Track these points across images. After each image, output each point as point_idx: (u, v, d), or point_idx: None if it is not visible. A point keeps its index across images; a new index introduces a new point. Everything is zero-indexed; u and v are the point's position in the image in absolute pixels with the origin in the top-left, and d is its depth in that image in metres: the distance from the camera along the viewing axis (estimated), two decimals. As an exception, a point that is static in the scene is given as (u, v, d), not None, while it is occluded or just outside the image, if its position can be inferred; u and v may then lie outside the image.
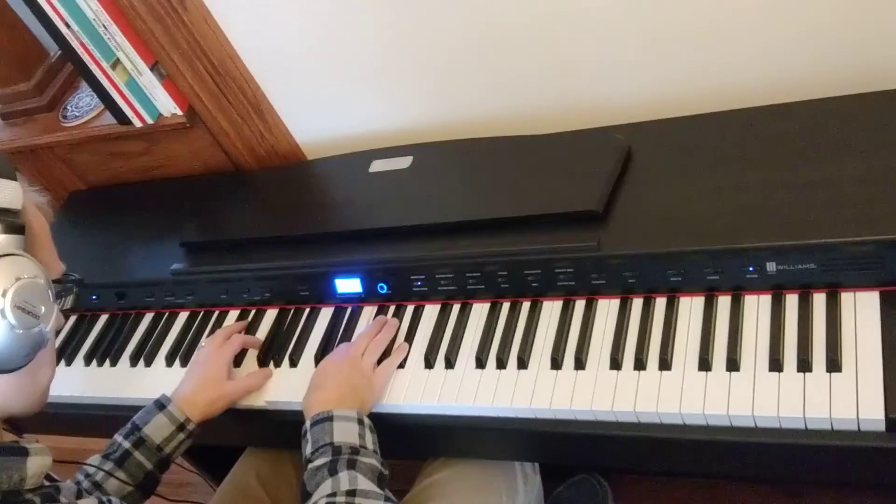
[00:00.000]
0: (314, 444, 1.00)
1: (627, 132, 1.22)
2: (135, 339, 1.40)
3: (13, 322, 0.73)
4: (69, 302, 0.87)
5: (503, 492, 1.20)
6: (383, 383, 1.12)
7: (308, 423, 1.03)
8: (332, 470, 0.95)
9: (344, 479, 0.94)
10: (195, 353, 1.26)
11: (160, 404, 1.14)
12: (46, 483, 0.79)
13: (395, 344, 1.17)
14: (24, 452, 0.76)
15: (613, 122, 1.28)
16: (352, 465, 0.96)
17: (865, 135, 1.07)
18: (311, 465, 0.98)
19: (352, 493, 0.92)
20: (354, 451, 0.98)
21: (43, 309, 0.76)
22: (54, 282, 0.81)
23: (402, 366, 1.15)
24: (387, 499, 0.94)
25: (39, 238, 0.82)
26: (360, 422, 1.02)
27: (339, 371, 1.10)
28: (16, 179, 0.78)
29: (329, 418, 1.01)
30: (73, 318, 1.49)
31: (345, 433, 1.00)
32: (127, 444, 1.10)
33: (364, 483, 0.94)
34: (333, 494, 0.92)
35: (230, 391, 1.18)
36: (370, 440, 1.02)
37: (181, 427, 1.12)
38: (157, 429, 1.11)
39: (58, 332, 0.91)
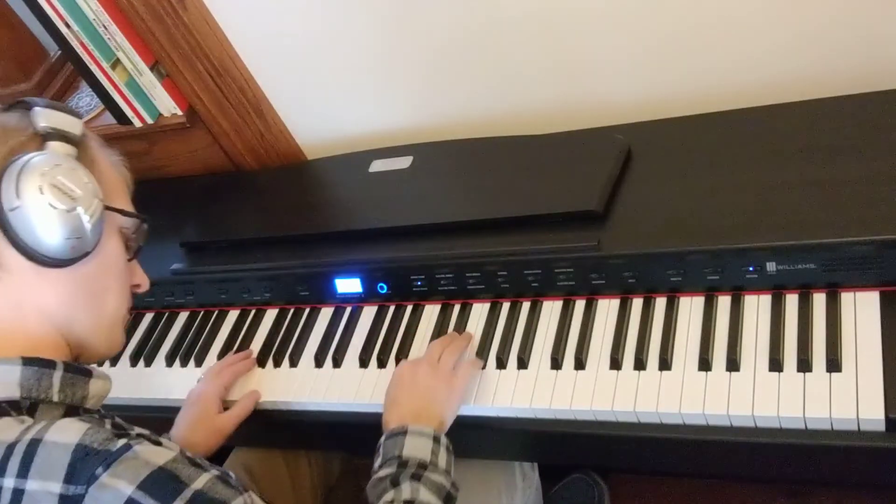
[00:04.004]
0: (383, 457, 0.96)
1: (627, 132, 1.22)
2: (135, 339, 1.39)
3: (50, 198, 0.76)
4: (137, 244, 0.91)
5: (502, 490, 1.20)
6: (463, 388, 1.05)
7: (382, 439, 0.99)
8: (395, 481, 0.91)
9: (406, 489, 0.90)
10: (192, 388, 1.22)
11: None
12: (103, 411, 0.84)
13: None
14: (88, 374, 0.82)
15: (613, 122, 1.28)
16: (416, 478, 0.91)
17: (865, 135, 1.07)
18: (375, 476, 0.94)
19: (410, 502, 0.88)
20: (422, 466, 0.93)
21: (79, 194, 0.78)
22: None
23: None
24: None
25: (106, 177, 0.86)
26: (437, 440, 0.97)
27: (414, 382, 1.04)
28: (80, 119, 0.85)
29: (403, 433, 0.97)
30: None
31: (416, 448, 0.95)
32: None
33: (426, 495, 0.90)
34: (391, 502, 0.89)
35: (224, 424, 1.16)
36: (444, 459, 0.96)
37: None
38: None
39: (137, 294, 0.93)
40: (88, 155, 0.84)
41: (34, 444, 0.71)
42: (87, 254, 0.81)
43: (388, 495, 0.90)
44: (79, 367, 0.82)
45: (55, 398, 0.78)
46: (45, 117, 0.81)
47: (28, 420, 0.75)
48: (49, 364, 0.79)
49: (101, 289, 0.86)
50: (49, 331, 0.82)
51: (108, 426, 0.76)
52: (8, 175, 0.76)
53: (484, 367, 1.10)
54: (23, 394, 0.76)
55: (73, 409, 0.79)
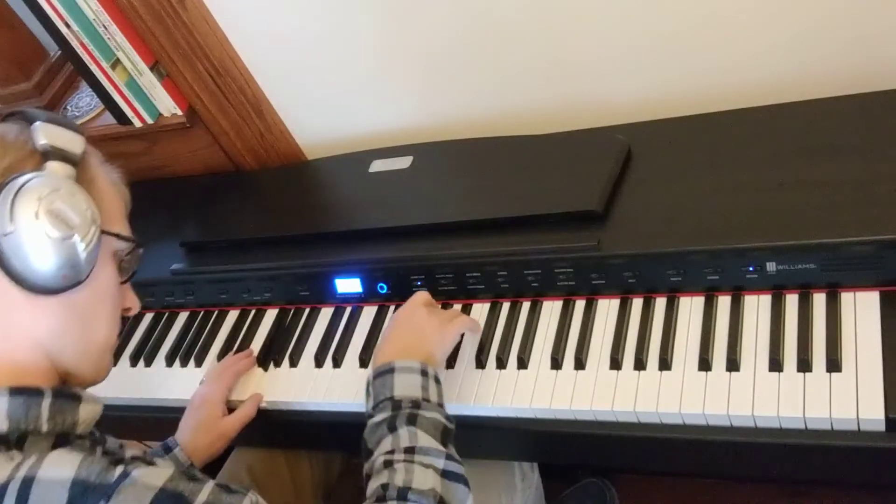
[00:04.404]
0: (375, 399, 0.96)
1: (627, 132, 1.22)
2: (135, 339, 1.40)
3: (45, 225, 0.74)
4: (131, 268, 0.87)
5: (501, 491, 1.20)
6: (454, 338, 1.07)
7: (370, 376, 0.99)
8: (392, 426, 0.91)
9: (404, 435, 0.90)
10: (195, 390, 1.23)
11: (167, 447, 1.13)
12: (95, 433, 0.81)
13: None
14: (78, 399, 0.79)
15: (613, 122, 1.28)
16: (412, 420, 0.91)
17: (865, 135, 1.07)
18: (371, 421, 0.94)
19: (410, 450, 0.88)
20: (416, 404, 0.93)
21: (77, 221, 0.76)
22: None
23: None
24: (448, 456, 0.90)
25: (105, 198, 0.83)
26: (424, 373, 0.97)
27: (409, 320, 1.05)
28: (83, 135, 0.82)
29: (390, 370, 0.96)
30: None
31: (406, 386, 0.95)
32: None
33: (424, 440, 0.90)
34: (392, 452, 0.89)
35: (228, 428, 1.17)
36: (434, 392, 0.96)
37: None
38: None
39: (128, 318, 0.91)
40: (88, 174, 0.81)
41: (28, 483, 0.69)
42: (80, 282, 0.78)
43: (387, 442, 0.90)
44: (68, 392, 0.79)
45: (44, 428, 0.74)
46: (46, 133, 0.78)
47: (17, 455, 0.72)
48: (37, 392, 0.76)
49: (93, 316, 0.83)
50: (38, 358, 0.79)
51: (100, 453, 0.74)
52: (3, 197, 0.73)
53: (484, 367, 1.10)
54: (11, 426, 0.73)
55: (63, 438, 0.76)
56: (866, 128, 1.08)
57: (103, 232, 0.80)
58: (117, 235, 0.84)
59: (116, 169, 0.89)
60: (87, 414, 0.79)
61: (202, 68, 1.39)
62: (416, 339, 1.03)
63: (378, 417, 0.93)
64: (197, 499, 0.71)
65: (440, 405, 0.96)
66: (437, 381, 0.99)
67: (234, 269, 1.33)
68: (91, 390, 0.83)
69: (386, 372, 0.97)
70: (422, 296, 1.10)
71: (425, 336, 1.03)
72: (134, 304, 0.90)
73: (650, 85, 1.27)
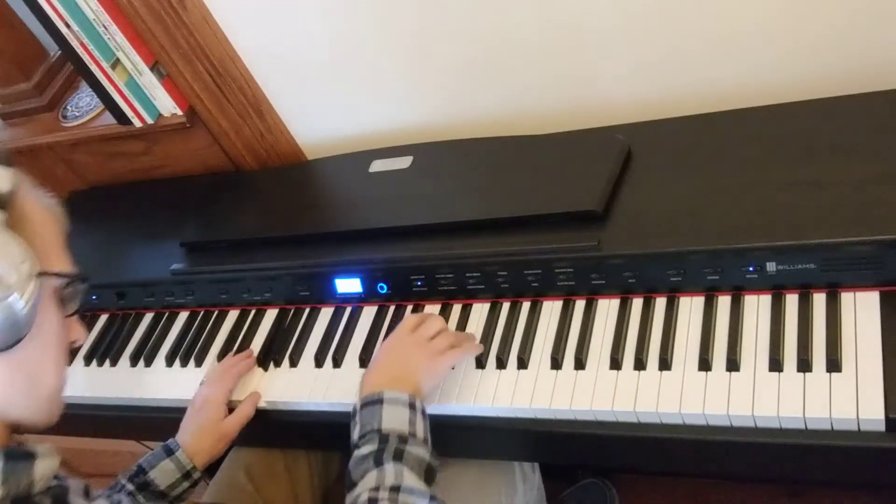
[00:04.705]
0: (362, 429, 0.95)
1: (627, 132, 1.22)
2: (135, 339, 1.40)
3: None
4: (75, 301, 0.82)
5: (501, 492, 1.20)
6: (445, 369, 1.05)
7: (357, 404, 0.98)
8: (378, 460, 0.90)
9: (389, 472, 0.89)
10: (196, 391, 1.22)
11: (168, 449, 1.13)
12: (54, 482, 0.77)
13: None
14: (32, 457, 0.74)
15: (613, 122, 1.28)
16: (398, 455, 0.91)
17: (865, 135, 1.07)
18: (357, 453, 0.93)
19: (396, 489, 0.87)
20: (402, 439, 0.93)
21: (14, 279, 0.70)
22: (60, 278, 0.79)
23: None
24: (432, 497, 0.89)
25: (39, 232, 0.77)
26: (412, 406, 0.96)
27: (399, 349, 1.04)
28: (12, 167, 0.76)
29: (379, 401, 0.95)
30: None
31: (394, 419, 0.94)
32: (131, 487, 1.09)
33: (409, 479, 0.89)
34: (377, 489, 0.87)
35: (229, 430, 1.17)
36: (420, 427, 0.96)
37: (187, 475, 1.12)
38: (162, 474, 1.10)
39: (77, 348, 0.88)
40: (20, 212, 0.75)
41: None
42: (22, 338, 0.73)
43: (371, 478, 0.89)
44: (20, 452, 0.74)
45: None
46: None
47: None
48: None
49: (39, 366, 0.78)
50: None
51: None
52: None
53: (484, 367, 1.10)
54: None
55: (21, 500, 0.72)
56: (866, 128, 1.08)
57: (42, 274, 0.75)
58: (57, 274, 0.78)
59: (46, 192, 0.82)
60: (44, 469, 0.75)
61: (202, 68, 1.39)
62: (405, 369, 1.02)
63: (364, 450, 0.93)
64: None
65: (426, 441, 0.96)
66: (425, 415, 0.98)
67: (234, 269, 1.33)
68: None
69: (374, 402, 0.96)
70: (410, 321, 1.09)
71: (414, 366, 1.02)
72: (81, 336, 0.85)
73: (650, 85, 1.27)
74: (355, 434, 0.96)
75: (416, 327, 1.07)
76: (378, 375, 1.01)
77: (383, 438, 0.93)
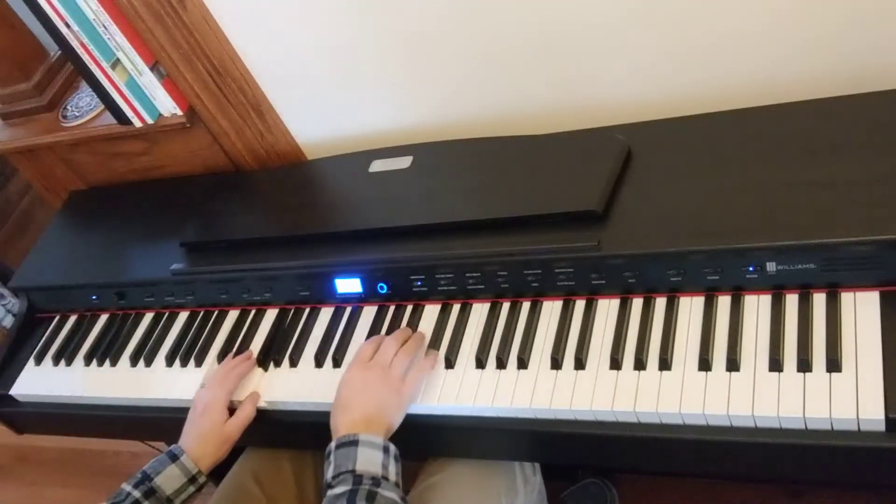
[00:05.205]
0: (336, 469, 0.98)
1: (627, 132, 1.22)
2: (135, 339, 1.40)
3: None
4: None
5: (502, 493, 1.19)
6: (412, 395, 1.08)
7: (333, 445, 1.01)
8: (352, 500, 0.94)
9: None
10: (196, 394, 1.23)
11: (173, 455, 1.13)
12: None
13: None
14: None
15: (613, 122, 1.28)
16: (371, 497, 0.94)
17: (865, 135, 1.07)
18: (330, 492, 0.96)
19: None
20: (375, 482, 0.96)
21: None
22: None
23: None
24: None
25: None
26: (386, 450, 1.00)
27: (366, 387, 1.07)
28: None
29: (354, 443, 0.99)
30: (73, 318, 1.49)
31: (368, 461, 0.98)
32: (137, 494, 1.09)
33: None
34: None
35: (232, 432, 1.17)
36: (393, 471, 1.00)
37: (192, 479, 1.12)
38: (168, 480, 1.11)
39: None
40: None
41: None
42: None
43: None
44: None
45: None
46: None
47: None
48: None
49: None
50: None
51: None
52: None
53: (485, 367, 1.10)
54: None
55: None
56: (866, 128, 1.08)
57: None
58: None
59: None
60: None
61: (202, 68, 1.39)
62: (376, 408, 1.04)
63: (338, 489, 0.95)
64: None
65: (398, 485, 0.99)
66: (398, 460, 1.02)
67: (234, 269, 1.33)
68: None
69: (349, 444, 0.99)
70: (366, 350, 1.11)
71: (384, 403, 1.05)
72: None
73: (650, 85, 1.27)
74: (329, 473, 0.99)
75: (373, 355, 1.10)
76: (350, 416, 1.04)
77: (357, 479, 0.96)
